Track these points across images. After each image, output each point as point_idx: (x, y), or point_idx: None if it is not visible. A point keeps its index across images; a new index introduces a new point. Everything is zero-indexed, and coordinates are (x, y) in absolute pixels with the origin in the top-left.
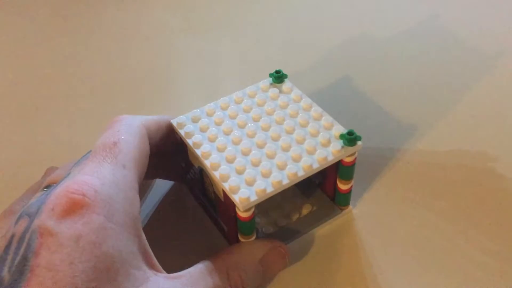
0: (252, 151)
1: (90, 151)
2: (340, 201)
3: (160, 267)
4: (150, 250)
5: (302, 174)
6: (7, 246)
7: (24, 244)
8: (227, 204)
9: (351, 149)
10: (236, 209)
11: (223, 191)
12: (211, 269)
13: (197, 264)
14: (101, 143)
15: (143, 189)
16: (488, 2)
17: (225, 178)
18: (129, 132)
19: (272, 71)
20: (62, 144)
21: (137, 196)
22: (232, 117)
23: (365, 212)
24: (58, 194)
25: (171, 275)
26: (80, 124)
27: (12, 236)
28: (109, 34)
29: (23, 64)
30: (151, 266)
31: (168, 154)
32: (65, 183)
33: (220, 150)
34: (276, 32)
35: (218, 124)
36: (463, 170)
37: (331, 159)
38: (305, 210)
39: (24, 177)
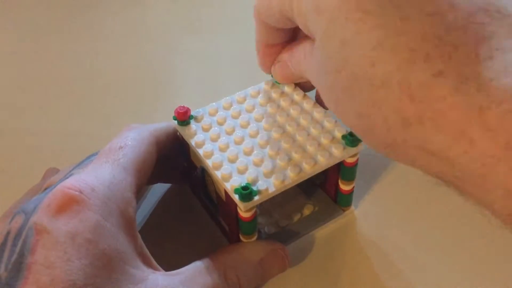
0: (254, 151)
1: (92, 154)
2: (342, 201)
3: (158, 266)
4: (146, 251)
5: (304, 174)
6: (3, 244)
7: (21, 241)
8: (229, 204)
9: (353, 150)
10: (238, 209)
11: (225, 190)
12: (209, 267)
13: (195, 262)
14: (107, 147)
15: (141, 190)
16: None
17: (227, 178)
18: (137, 139)
19: None
20: (63, 145)
21: (134, 199)
22: (235, 117)
23: (367, 213)
24: (55, 191)
25: (169, 272)
26: (81, 124)
27: (8, 233)
28: (109, 34)
29: (23, 64)
30: (149, 265)
31: (171, 158)
32: (63, 181)
33: (222, 150)
34: None
35: (220, 124)
36: None
37: (333, 159)
38: (307, 210)
39: (25, 179)
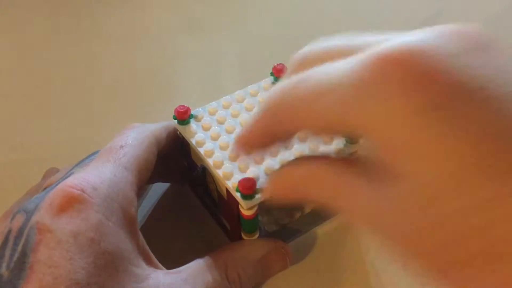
0: None
1: (93, 153)
2: None
3: (159, 264)
4: (148, 249)
5: None
6: (4, 242)
7: (22, 240)
8: (230, 203)
9: (353, 147)
10: (240, 207)
11: (226, 189)
12: (210, 265)
13: (197, 260)
14: (108, 147)
15: (141, 189)
16: (489, 1)
17: (229, 176)
18: (138, 138)
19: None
20: (63, 145)
21: (136, 197)
22: (235, 116)
23: None
24: (56, 189)
25: (171, 270)
26: (81, 124)
27: (9, 232)
28: (109, 34)
29: (23, 65)
30: (150, 264)
31: (171, 157)
32: (65, 180)
33: (223, 148)
34: (276, 31)
35: (220, 122)
36: None
37: (334, 157)
38: (308, 208)
39: (25, 179)
